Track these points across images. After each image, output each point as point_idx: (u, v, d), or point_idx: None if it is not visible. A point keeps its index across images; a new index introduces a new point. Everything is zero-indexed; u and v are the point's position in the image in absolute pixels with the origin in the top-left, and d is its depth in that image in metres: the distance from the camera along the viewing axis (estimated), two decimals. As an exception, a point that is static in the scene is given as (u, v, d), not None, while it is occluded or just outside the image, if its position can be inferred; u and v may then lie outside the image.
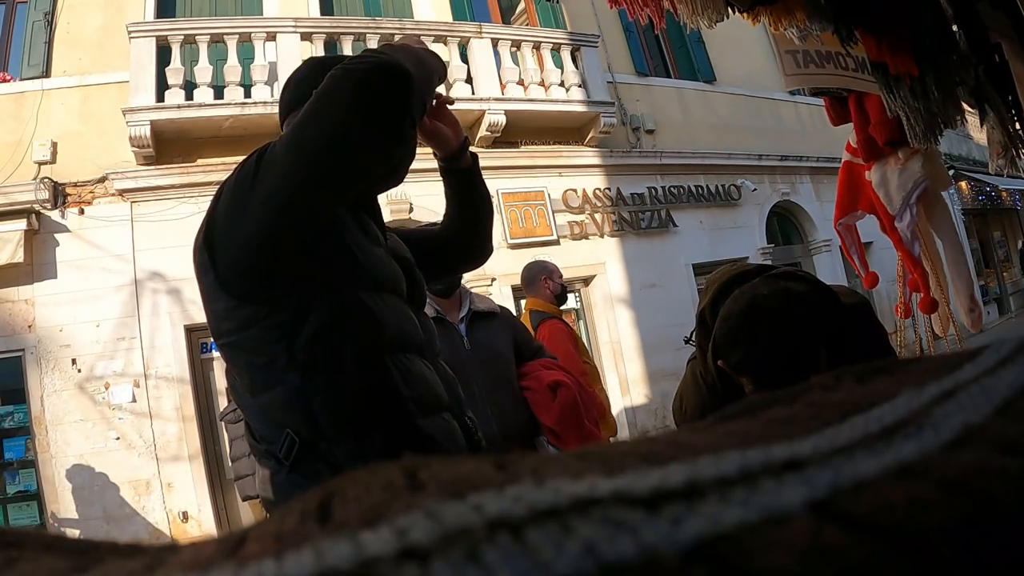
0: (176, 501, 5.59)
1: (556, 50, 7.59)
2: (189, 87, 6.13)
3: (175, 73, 6.02)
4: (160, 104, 5.93)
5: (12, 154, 5.86)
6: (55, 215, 5.83)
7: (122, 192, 5.98)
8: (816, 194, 9.40)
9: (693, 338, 1.20)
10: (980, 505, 0.14)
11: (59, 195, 5.87)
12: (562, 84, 7.45)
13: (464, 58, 7.12)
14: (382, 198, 1.25)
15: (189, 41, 6.16)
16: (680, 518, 0.13)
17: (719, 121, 8.93)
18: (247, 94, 6.21)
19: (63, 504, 5.36)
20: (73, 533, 4.66)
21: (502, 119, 6.94)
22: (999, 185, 12.33)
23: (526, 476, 0.15)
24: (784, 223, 9.51)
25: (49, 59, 6.22)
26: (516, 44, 7.38)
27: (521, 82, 7.24)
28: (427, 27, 7.04)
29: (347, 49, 6.41)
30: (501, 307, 2.31)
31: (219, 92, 6.19)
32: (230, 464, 5.21)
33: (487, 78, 7.07)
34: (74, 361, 5.62)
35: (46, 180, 5.78)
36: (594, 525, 0.13)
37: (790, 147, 9.32)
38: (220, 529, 5.58)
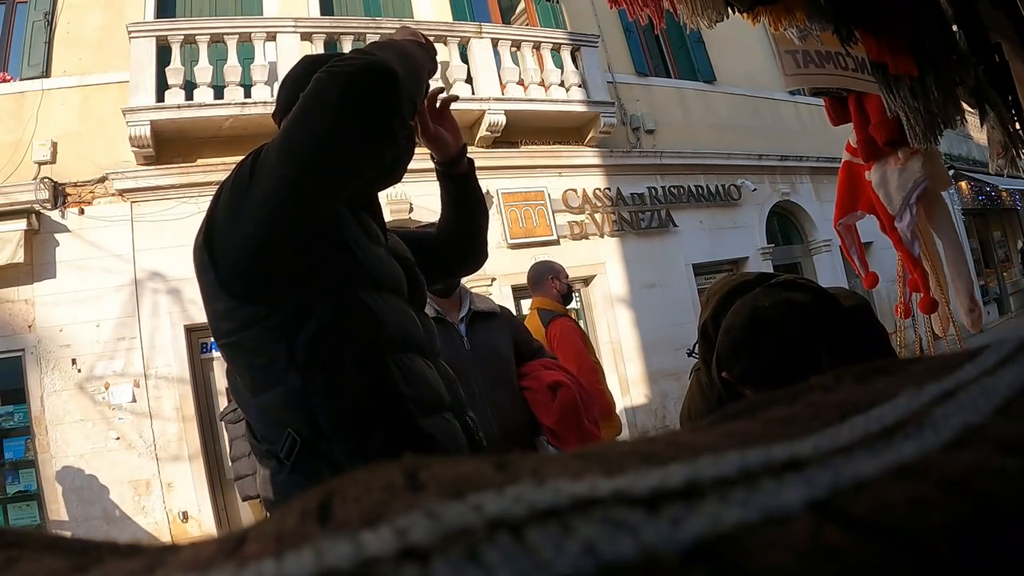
0: (176, 501, 5.59)
1: (556, 50, 7.59)
2: (189, 87, 6.14)
3: (175, 73, 6.02)
4: (160, 104, 5.93)
5: (12, 154, 5.86)
6: (55, 215, 5.83)
7: (122, 192, 5.98)
8: (816, 194, 9.41)
9: (696, 350, 1.20)
10: (980, 505, 0.14)
11: (59, 195, 5.87)
12: (562, 84, 7.45)
13: (464, 58, 7.12)
14: (382, 198, 1.24)
15: (189, 41, 6.16)
16: (680, 518, 0.13)
17: (719, 121, 8.93)
18: (247, 94, 6.21)
19: (63, 504, 5.36)
20: (66, 534, 4.66)
21: (502, 119, 6.94)
22: (999, 185, 12.33)
23: (526, 476, 0.15)
24: (784, 223, 9.51)
25: (49, 59, 6.22)
26: (516, 44, 7.38)
27: (521, 82, 7.25)
28: (427, 27, 7.03)
29: (347, 49, 6.41)
30: (501, 307, 2.31)
31: (219, 92, 6.19)
32: (230, 464, 5.22)
33: (487, 78, 7.08)
34: (74, 361, 5.62)
35: (46, 180, 5.79)
36: (594, 525, 0.13)
37: (790, 147, 9.33)
38: (220, 529, 5.58)
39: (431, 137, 1.27)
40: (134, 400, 5.66)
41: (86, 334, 5.68)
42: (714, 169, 8.53)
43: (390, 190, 1.26)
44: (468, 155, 1.35)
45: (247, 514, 5.41)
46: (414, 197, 6.25)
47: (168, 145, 6.10)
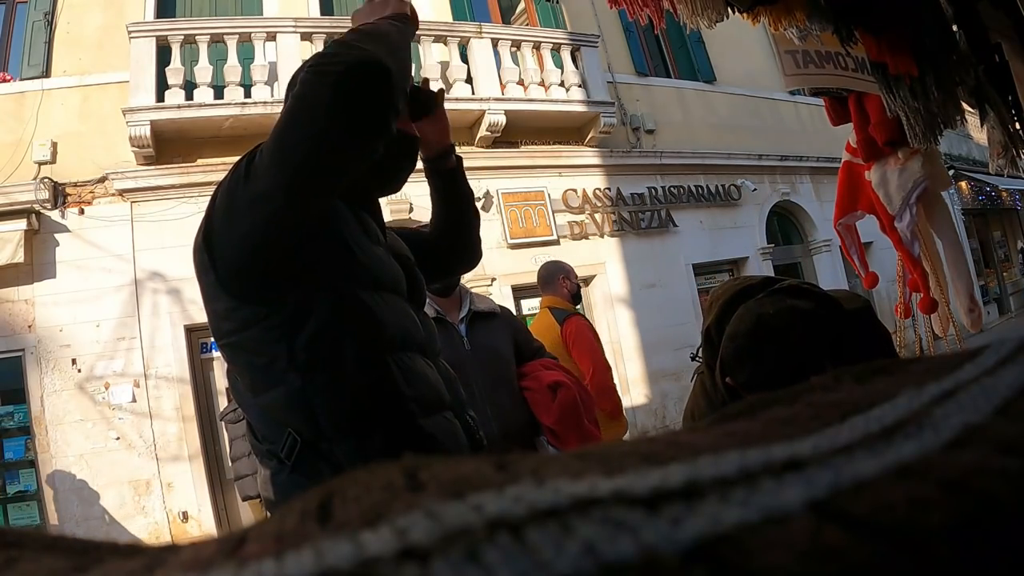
0: (176, 501, 5.59)
1: (556, 50, 7.59)
2: (189, 87, 6.14)
3: (175, 73, 6.02)
4: (160, 104, 5.93)
5: (12, 154, 5.86)
6: (55, 215, 5.84)
7: (122, 192, 5.98)
8: (816, 194, 9.41)
9: (699, 355, 1.19)
10: (980, 505, 0.14)
11: (59, 195, 5.87)
12: (562, 84, 7.45)
13: (464, 58, 7.13)
14: (382, 198, 1.25)
15: (189, 41, 6.16)
16: (680, 518, 0.13)
17: (719, 121, 8.94)
18: (247, 94, 6.21)
19: (62, 504, 5.36)
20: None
21: (502, 119, 6.94)
22: (999, 185, 12.33)
23: (526, 476, 0.15)
24: (784, 223, 9.51)
25: (49, 59, 6.22)
26: (516, 44, 7.38)
27: (521, 82, 7.25)
28: (427, 27, 7.03)
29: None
30: (501, 307, 2.31)
31: (219, 92, 6.19)
32: (230, 464, 5.22)
33: (487, 78, 7.07)
34: (74, 361, 5.63)
35: (46, 180, 5.79)
36: (594, 525, 0.13)
37: (790, 147, 9.33)
38: (220, 529, 5.58)
39: (426, 131, 1.27)
40: (134, 400, 5.66)
41: (86, 334, 5.68)
42: (714, 169, 8.53)
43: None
44: (457, 153, 1.36)
45: (247, 514, 5.41)
46: (414, 197, 6.25)
47: (168, 145, 6.10)
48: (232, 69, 6.20)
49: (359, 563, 0.12)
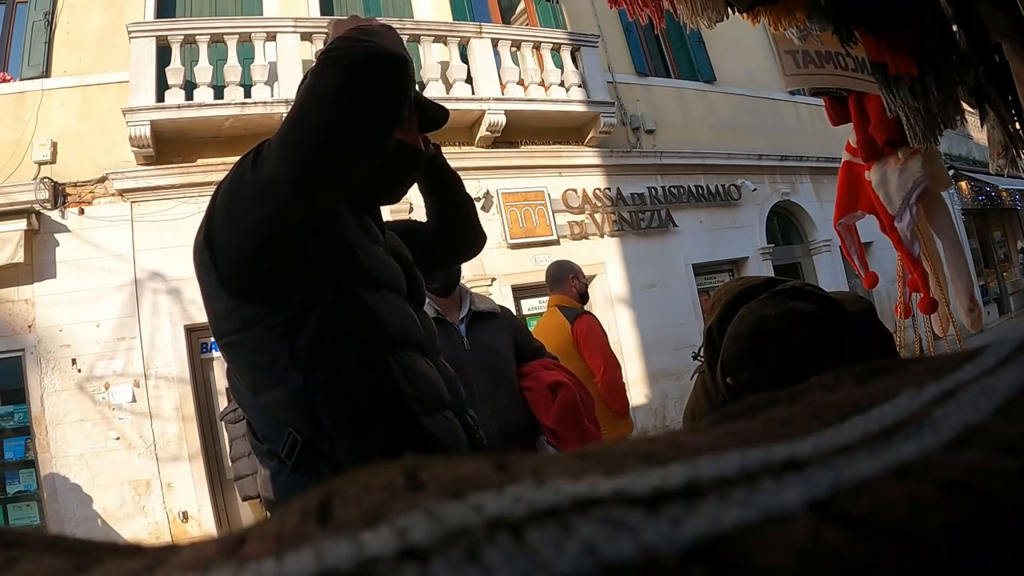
0: (176, 501, 5.59)
1: (556, 50, 7.59)
2: (189, 87, 6.14)
3: (175, 73, 6.02)
4: (160, 104, 5.93)
5: (12, 154, 5.86)
6: (55, 215, 5.84)
7: (122, 192, 5.98)
8: (816, 194, 9.40)
9: (701, 354, 1.19)
10: (980, 505, 0.14)
11: (59, 195, 5.87)
12: (562, 84, 7.45)
13: (464, 58, 7.12)
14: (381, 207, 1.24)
15: (189, 41, 6.16)
16: (680, 518, 0.13)
17: (719, 121, 8.93)
18: (247, 94, 6.21)
19: (62, 504, 5.36)
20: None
21: (502, 119, 6.94)
22: (999, 185, 12.33)
23: (526, 476, 0.15)
24: (784, 223, 9.51)
25: (49, 59, 6.22)
26: (516, 44, 7.38)
27: (521, 82, 7.24)
28: (427, 27, 7.04)
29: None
30: (501, 307, 2.31)
31: (219, 92, 6.19)
32: (230, 464, 5.22)
33: (487, 78, 7.07)
34: (74, 361, 5.63)
35: (46, 180, 5.79)
36: (594, 525, 0.13)
37: (790, 147, 9.33)
38: (220, 529, 5.58)
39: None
40: (134, 400, 5.66)
41: (86, 334, 5.68)
42: (714, 169, 8.52)
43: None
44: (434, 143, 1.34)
45: (247, 514, 5.41)
46: (414, 197, 6.24)
47: (168, 145, 6.10)
48: (232, 69, 6.20)
49: (359, 563, 0.12)
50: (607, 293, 7.51)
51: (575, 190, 7.53)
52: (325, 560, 0.13)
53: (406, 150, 1.12)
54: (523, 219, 7.20)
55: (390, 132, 0.98)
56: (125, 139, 5.87)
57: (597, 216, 7.60)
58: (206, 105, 6.07)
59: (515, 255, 7.00)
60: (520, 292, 7.00)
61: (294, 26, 6.48)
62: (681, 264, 8.02)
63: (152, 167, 6.06)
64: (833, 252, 8.91)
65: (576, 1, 8.30)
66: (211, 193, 1.00)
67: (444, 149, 1.40)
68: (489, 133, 7.01)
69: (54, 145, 5.97)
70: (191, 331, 5.91)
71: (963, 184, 12.12)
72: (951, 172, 9.89)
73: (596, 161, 7.74)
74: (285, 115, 0.97)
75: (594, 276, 7.54)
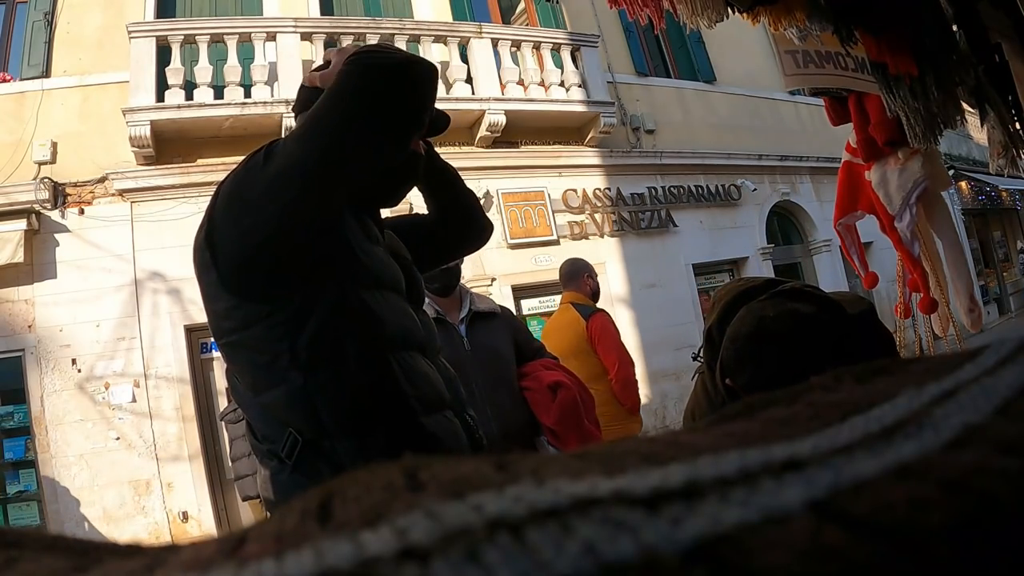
0: (176, 501, 5.59)
1: (556, 50, 7.59)
2: (189, 87, 6.14)
3: (175, 73, 6.02)
4: (160, 104, 5.94)
5: (12, 154, 5.86)
6: (55, 215, 5.84)
7: (122, 192, 5.98)
8: (816, 194, 9.40)
9: (701, 355, 1.19)
10: (980, 505, 0.14)
11: (59, 195, 5.87)
12: (562, 84, 7.45)
13: (464, 58, 7.12)
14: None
15: (189, 41, 6.16)
16: (680, 518, 0.13)
17: (719, 121, 8.93)
18: (247, 94, 6.21)
19: (63, 504, 5.36)
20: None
21: (502, 119, 6.94)
22: (999, 185, 12.33)
23: (526, 476, 0.15)
24: (784, 223, 9.50)
25: (49, 59, 6.22)
26: (516, 44, 7.38)
27: (521, 82, 7.24)
28: (427, 27, 7.04)
29: (347, 49, 6.41)
30: (501, 307, 2.31)
31: (219, 92, 6.19)
32: (230, 464, 5.21)
33: (487, 78, 7.07)
34: (74, 361, 5.63)
35: (46, 180, 5.79)
36: (594, 525, 0.13)
37: (790, 147, 9.32)
38: (220, 529, 5.58)
39: None
40: (134, 400, 5.66)
41: (86, 334, 5.68)
42: (714, 169, 8.52)
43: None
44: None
45: (247, 514, 5.41)
46: (415, 197, 6.24)
47: (168, 145, 6.10)
48: (232, 69, 6.20)
49: (359, 563, 0.12)
50: (607, 293, 7.49)
51: (575, 190, 7.53)
52: (325, 560, 0.13)
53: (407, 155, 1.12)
54: (523, 219, 7.20)
55: (410, 137, 0.99)
56: (125, 139, 5.87)
57: (597, 216, 7.60)
58: (206, 105, 6.07)
59: (515, 255, 7.00)
60: (520, 292, 7.00)
61: (294, 26, 6.48)
62: (681, 264, 8.02)
63: (152, 167, 6.06)
64: (833, 252, 8.91)
65: (576, 1, 8.29)
66: (211, 193, 1.00)
67: (444, 149, 1.41)
68: (489, 133, 7.01)
69: (54, 145, 5.97)
70: (191, 331, 5.91)
71: (963, 184, 12.12)
72: (951, 172, 9.89)
73: (596, 161, 7.74)
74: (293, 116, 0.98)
75: (594, 276, 7.54)
